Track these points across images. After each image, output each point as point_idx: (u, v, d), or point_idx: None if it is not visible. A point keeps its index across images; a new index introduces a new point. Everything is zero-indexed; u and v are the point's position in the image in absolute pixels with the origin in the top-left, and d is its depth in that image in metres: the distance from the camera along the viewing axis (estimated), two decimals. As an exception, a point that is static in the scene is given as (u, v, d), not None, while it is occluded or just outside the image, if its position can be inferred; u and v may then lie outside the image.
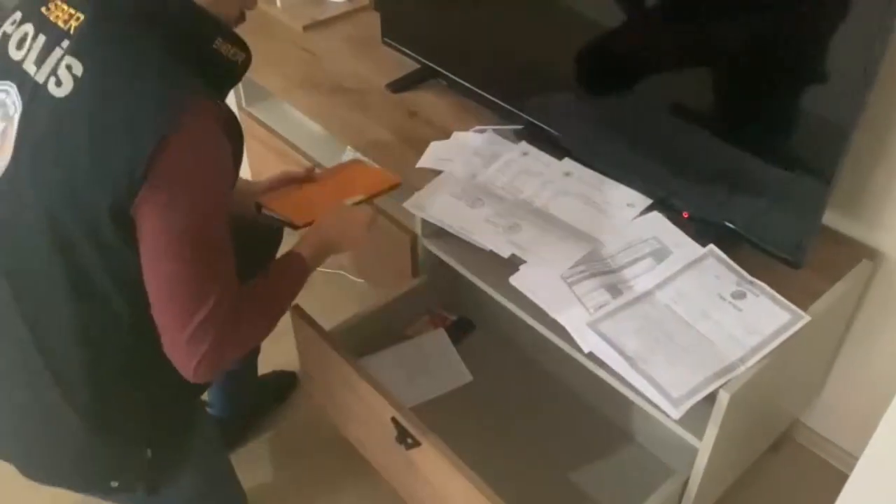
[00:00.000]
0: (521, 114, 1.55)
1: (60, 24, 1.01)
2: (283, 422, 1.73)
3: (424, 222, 1.45)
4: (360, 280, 1.93)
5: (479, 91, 1.62)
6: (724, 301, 1.21)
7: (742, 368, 1.12)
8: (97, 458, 1.12)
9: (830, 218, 1.38)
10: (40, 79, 0.99)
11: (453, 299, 1.64)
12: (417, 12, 1.72)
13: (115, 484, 1.13)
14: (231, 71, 1.10)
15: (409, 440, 1.22)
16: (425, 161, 1.51)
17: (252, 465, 1.62)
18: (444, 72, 1.68)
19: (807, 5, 1.10)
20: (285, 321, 1.22)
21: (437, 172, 1.49)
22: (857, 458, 0.83)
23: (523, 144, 1.53)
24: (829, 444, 1.62)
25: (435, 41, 1.71)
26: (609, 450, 1.44)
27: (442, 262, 1.47)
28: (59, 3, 1.03)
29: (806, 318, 1.18)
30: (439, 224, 1.38)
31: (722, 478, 1.36)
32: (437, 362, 1.42)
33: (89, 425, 1.08)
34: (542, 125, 1.52)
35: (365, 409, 1.31)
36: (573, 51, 1.45)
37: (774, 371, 1.18)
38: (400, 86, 1.74)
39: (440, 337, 1.58)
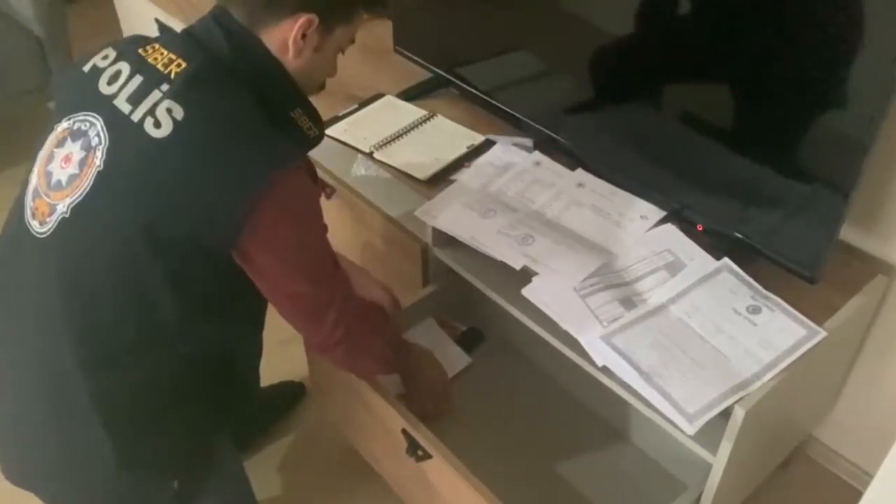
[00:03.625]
0: (534, 124, 1.55)
1: (160, 66, 1.03)
2: (292, 432, 1.72)
3: (435, 231, 1.44)
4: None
5: (492, 100, 1.62)
6: (739, 315, 1.20)
7: (757, 384, 1.11)
8: (125, 489, 1.13)
9: (845, 231, 1.36)
10: (135, 117, 1.00)
11: (463, 309, 1.63)
12: (430, 20, 1.72)
13: None
14: (302, 144, 1.13)
15: (420, 452, 1.21)
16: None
17: (261, 474, 1.61)
18: (457, 81, 1.68)
19: (828, 18, 1.09)
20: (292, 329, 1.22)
21: (449, 182, 1.48)
22: (869, 474, 0.82)
23: (536, 154, 1.52)
24: (841, 460, 1.60)
25: (447, 50, 1.71)
26: (621, 463, 1.42)
27: (452, 272, 1.46)
28: (158, 46, 1.06)
29: (822, 334, 1.17)
30: (450, 234, 1.37)
31: (735, 494, 1.35)
32: (434, 352, 1.41)
33: (121, 456, 1.07)
34: (554, 135, 1.52)
35: (375, 420, 1.30)
36: (587, 60, 1.44)
37: (790, 387, 1.17)
38: (412, 94, 1.73)
39: (429, 326, 1.57)
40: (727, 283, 1.25)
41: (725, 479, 1.17)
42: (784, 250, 1.24)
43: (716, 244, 1.31)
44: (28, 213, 1.07)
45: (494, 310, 1.37)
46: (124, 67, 1.05)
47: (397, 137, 1.60)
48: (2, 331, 1.13)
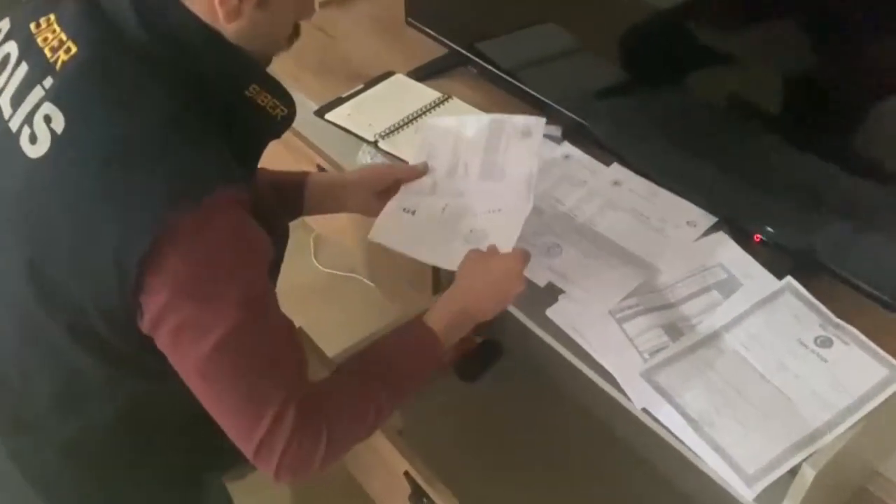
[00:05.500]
0: (563, 109, 1.35)
1: (47, 51, 0.79)
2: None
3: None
4: (373, 284, 1.75)
5: (515, 81, 1.42)
6: (805, 349, 1.01)
7: (829, 437, 0.92)
8: None
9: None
10: (13, 125, 0.79)
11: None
12: (446, -11, 1.52)
13: None
14: (267, 128, 0.87)
15: (425, 500, 1.05)
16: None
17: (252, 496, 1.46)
18: (475, 58, 1.48)
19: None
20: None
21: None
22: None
23: (565, 146, 1.32)
24: (904, 494, 1.41)
25: (466, 22, 1.50)
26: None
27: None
28: (52, 19, 0.82)
29: (907, 375, 0.98)
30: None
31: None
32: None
33: None
34: (587, 124, 1.32)
35: (376, 459, 1.13)
36: (625, 34, 1.24)
37: (866, 438, 0.98)
38: (425, 73, 1.53)
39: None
40: (791, 307, 1.05)
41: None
42: (860, 269, 1.04)
43: (775, 259, 1.11)
44: None
45: (514, 321, 1.20)
46: (13, 50, 0.83)
47: (407, 124, 1.41)
48: None
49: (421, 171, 1.17)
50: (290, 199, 1.14)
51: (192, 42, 0.78)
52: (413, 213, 1.15)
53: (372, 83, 1.51)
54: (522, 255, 0.98)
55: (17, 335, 0.85)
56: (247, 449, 0.80)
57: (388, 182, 1.16)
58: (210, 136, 0.78)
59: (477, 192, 1.14)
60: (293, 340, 0.85)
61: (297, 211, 1.17)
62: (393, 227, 1.15)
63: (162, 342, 0.78)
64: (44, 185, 0.77)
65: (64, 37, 0.79)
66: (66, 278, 0.78)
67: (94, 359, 0.84)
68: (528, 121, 1.14)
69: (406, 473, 1.06)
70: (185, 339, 0.76)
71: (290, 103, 0.87)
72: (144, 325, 0.77)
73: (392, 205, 1.17)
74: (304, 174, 1.17)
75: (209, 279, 0.75)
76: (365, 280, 1.76)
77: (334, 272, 1.80)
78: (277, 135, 0.89)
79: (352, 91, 1.49)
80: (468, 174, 1.15)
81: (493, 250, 1.01)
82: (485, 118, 1.19)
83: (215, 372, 0.77)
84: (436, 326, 0.94)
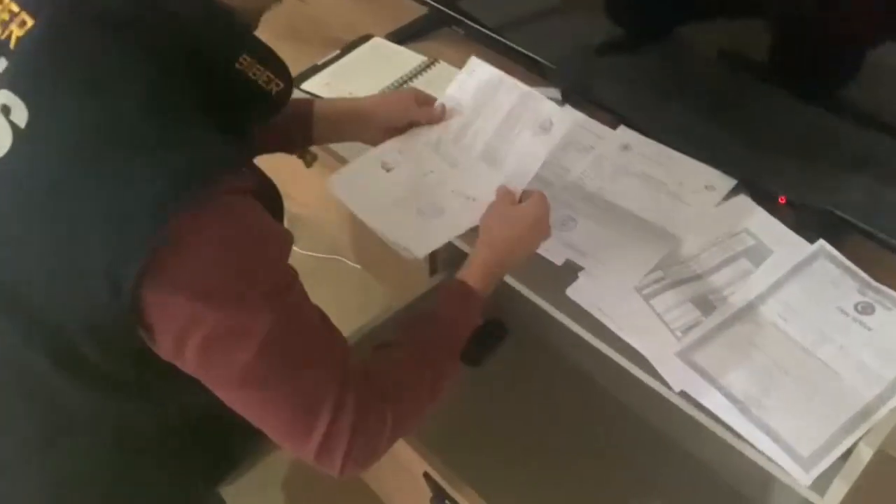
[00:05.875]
0: (561, 69, 1.25)
1: None
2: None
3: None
4: (359, 266, 1.65)
5: (505, 40, 1.31)
6: (846, 317, 0.95)
7: (884, 411, 0.86)
8: None
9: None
10: None
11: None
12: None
13: None
14: (260, 105, 0.75)
15: (448, 502, 0.96)
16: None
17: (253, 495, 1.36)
18: (460, 17, 1.37)
19: None
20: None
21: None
22: None
23: (567, 109, 1.23)
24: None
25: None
26: (693, 494, 1.17)
27: (465, 256, 1.18)
28: None
29: (956, 338, 0.92)
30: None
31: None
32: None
33: None
34: (588, 83, 1.23)
35: (389, 460, 1.04)
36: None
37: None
38: (405, 36, 1.42)
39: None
40: (827, 273, 0.99)
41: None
42: (891, 224, 0.98)
43: (804, 222, 1.04)
44: None
45: (518, 299, 1.11)
46: None
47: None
48: None
49: (437, 118, 1.06)
50: (294, 129, 1.04)
51: (177, 5, 0.66)
52: (389, 170, 1.04)
53: (349, 48, 1.40)
54: (543, 200, 0.92)
55: None
56: (305, 452, 0.70)
57: (401, 122, 1.06)
58: (203, 117, 0.66)
59: (468, 169, 1.03)
60: (331, 324, 0.76)
61: (307, 141, 1.07)
62: (359, 180, 1.04)
63: (189, 363, 0.67)
64: (7, 192, 0.64)
65: (15, 7, 0.66)
66: (44, 300, 0.66)
67: (80, 386, 0.72)
68: (551, 112, 0.99)
69: (426, 475, 0.98)
70: (218, 353, 0.65)
71: (286, 77, 0.75)
72: (163, 350, 0.66)
73: (373, 153, 1.06)
74: (310, 102, 1.05)
75: (232, 280, 0.64)
76: (349, 262, 1.65)
77: (315, 255, 1.69)
78: (273, 113, 0.77)
79: (328, 58, 1.37)
80: (473, 146, 1.05)
81: (510, 197, 0.94)
82: (517, 90, 1.04)
83: (261, 378, 0.67)
84: (474, 282, 0.89)
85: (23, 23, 0.65)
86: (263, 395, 0.68)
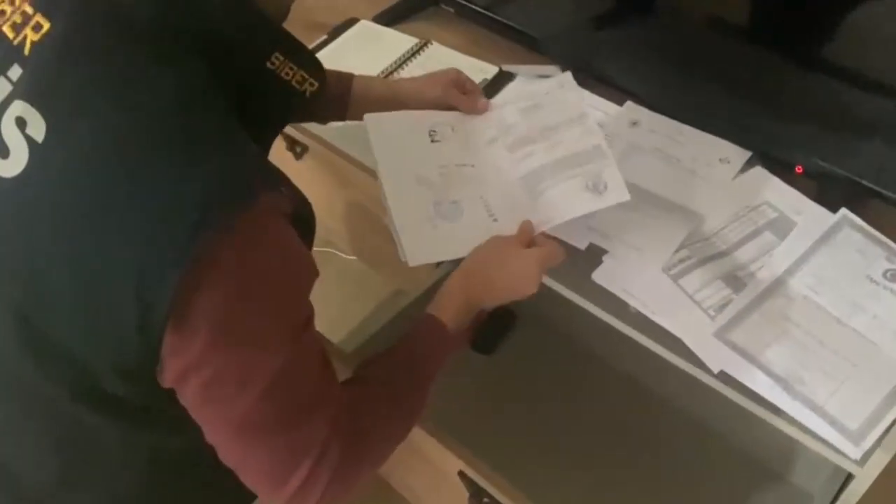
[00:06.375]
0: (559, 45, 1.22)
1: (7, 29, 0.59)
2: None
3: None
4: (352, 257, 1.60)
5: (499, 17, 1.27)
6: (876, 285, 0.94)
7: (924, 378, 0.86)
8: None
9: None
10: None
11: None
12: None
13: None
14: (293, 107, 0.70)
15: (487, 501, 0.94)
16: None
17: None
18: (450, -5, 1.32)
19: None
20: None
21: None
22: None
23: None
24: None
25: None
26: (724, 472, 1.16)
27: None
28: None
29: None
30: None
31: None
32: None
33: None
34: (589, 59, 1.19)
35: (419, 460, 1.01)
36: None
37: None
38: (393, 17, 1.36)
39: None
40: (853, 242, 0.98)
41: (870, 493, 0.94)
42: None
43: (824, 191, 1.03)
44: None
45: (549, 292, 1.08)
46: None
47: (384, 76, 1.25)
48: None
49: (479, 110, 1.02)
50: (330, 106, 0.99)
51: (202, 2, 0.61)
52: (434, 141, 0.99)
53: (335, 33, 1.34)
54: (547, 259, 0.87)
55: (7, 406, 0.68)
56: (277, 495, 0.67)
57: (441, 108, 1.02)
58: (236, 122, 0.61)
59: (506, 184, 0.97)
60: (330, 363, 0.71)
61: (338, 118, 1.03)
62: (398, 132, 0.98)
63: (188, 397, 0.63)
64: (24, 212, 0.58)
65: (29, 9, 0.59)
66: (64, 331, 0.61)
67: (104, 419, 0.68)
68: (610, 178, 0.92)
69: (461, 473, 0.95)
70: (220, 395, 0.62)
71: (321, 76, 0.70)
72: (165, 378, 0.62)
73: (429, 117, 1.00)
74: (348, 80, 1.01)
75: (253, 318, 0.60)
76: (342, 254, 1.60)
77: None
78: (307, 116, 0.72)
79: (315, 44, 1.31)
80: (523, 164, 0.97)
81: (518, 240, 0.89)
82: (592, 137, 0.96)
83: (256, 424, 0.64)
84: (444, 317, 0.85)
85: (38, 26, 0.59)
86: (252, 442, 0.65)
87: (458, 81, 1.02)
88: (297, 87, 0.68)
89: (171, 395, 0.65)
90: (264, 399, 0.62)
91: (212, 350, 0.59)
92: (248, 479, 0.68)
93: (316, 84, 0.70)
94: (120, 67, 0.58)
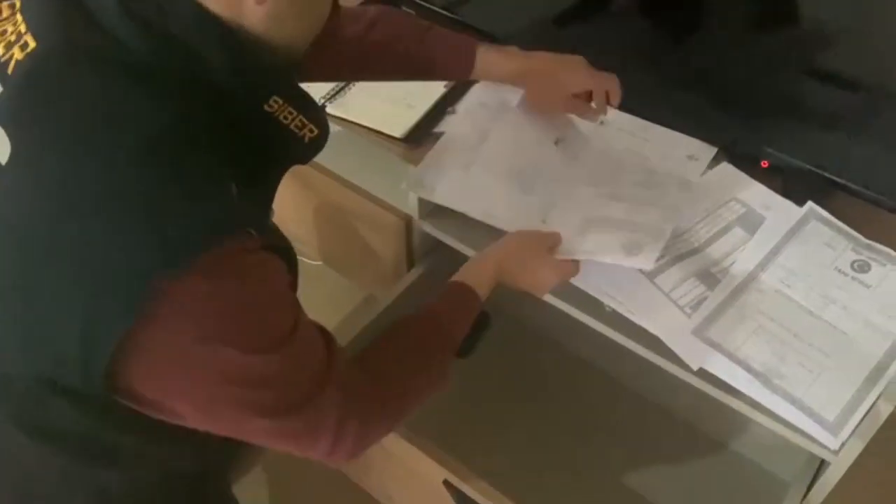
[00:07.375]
0: (519, 44, 1.21)
1: (1, 49, 0.58)
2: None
3: (422, 200, 1.11)
4: (316, 263, 1.58)
5: (457, 17, 1.26)
6: (845, 276, 0.96)
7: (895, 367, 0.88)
8: None
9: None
10: None
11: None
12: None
13: None
14: (290, 152, 0.68)
15: (472, 509, 0.93)
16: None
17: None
18: (408, -5, 1.31)
19: None
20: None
21: (434, 136, 1.14)
22: None
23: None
24: None
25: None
26: (701, 463, 1.18)
27: (443, 246, 1.14)
28: (17, 6, 0.60)
29: (950, 287, 0.95)
30: (458, 210, 1.05)
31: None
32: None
33: None
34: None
35: (403, 470, 1.00)
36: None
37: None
38: (352, 19, 1.34)
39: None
40: (820, 234, 1.00)
41: (845, 479, 0.96)
42: (879, 183, 1.00)
43: (789, 185, 1.05)
44: None
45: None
46: None
47: (351, 82, 1.23)
48: None
49: (592, 116, 1.05)
50: (447, 72, 1.04)
51: (200, 41, 0.58)
52: (557, 142, 1.07)
53: (294, 37, 1.31)
54: (566, 275, 0.92)
55: None
56: (317, 457, 0.70)
57: (579, 89, 1.02)
58: (219, 168, 0.59)
59: (570, 213, 1.01)
60: (326, 336, 0.71)
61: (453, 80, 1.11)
62: (518, 123, 1.06)
63: (187, 422, 0.63)
64: None
65: (23, 27, 0.57)
66: (20, 370, 0.60)
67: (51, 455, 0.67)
68: (645, 252, 0.93)
69: (446, 482, 0.94)
70: (223, 415, 0.62)
71: (322, 123, 0.68)
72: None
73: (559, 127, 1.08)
74: (471, 51, 1.00)
75: (233, 349, 0.58)
76: (308, 260, 1.57)
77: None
78: (303, 161, 0.70)
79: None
80: (586, 200, 1.02)
81: (543, 242, 0.94)
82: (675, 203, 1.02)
83: (267, 421, 0.64)
84: (477, 288, 0.88)
85: (25, 45, 0.56)
86: (270, 429, 0.65)
87: (565, 96, 1.03)
88: (297, 131, 0.66)
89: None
90: (270, 415, 0.63)
91: (214, 392, 0.59)
92: (279, 449, 0.69)
93: (316, 130, 0.68)
94: (90, 103, 0.56)
